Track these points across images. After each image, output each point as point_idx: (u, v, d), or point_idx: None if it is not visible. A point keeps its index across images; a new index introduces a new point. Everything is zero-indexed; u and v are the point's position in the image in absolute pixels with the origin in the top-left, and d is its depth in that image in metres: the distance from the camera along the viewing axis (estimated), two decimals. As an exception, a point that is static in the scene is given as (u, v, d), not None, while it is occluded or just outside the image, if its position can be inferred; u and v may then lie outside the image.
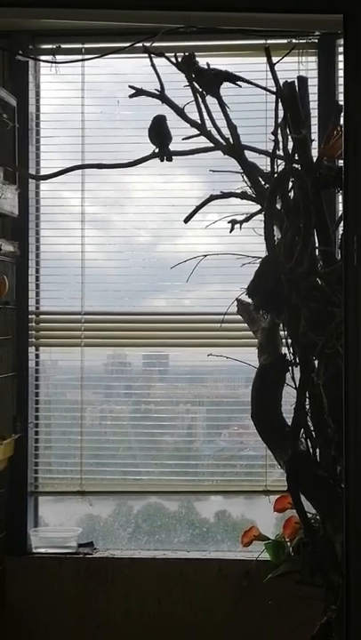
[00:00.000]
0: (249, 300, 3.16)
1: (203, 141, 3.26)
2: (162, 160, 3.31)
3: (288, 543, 3.65)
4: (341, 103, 2.79)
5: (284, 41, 4.02)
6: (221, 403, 4.61)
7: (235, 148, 3.18)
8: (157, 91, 3.23)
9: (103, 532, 4.49)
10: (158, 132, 3.32)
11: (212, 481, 4.50)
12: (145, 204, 4.42)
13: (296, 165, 3.08)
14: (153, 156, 3.29)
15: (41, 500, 4.43)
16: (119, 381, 4.62)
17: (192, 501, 4.55)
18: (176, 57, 3.14)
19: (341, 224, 2.92)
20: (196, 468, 4.51)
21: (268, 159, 3.14)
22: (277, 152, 3.09)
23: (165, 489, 4.42)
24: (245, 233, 3.34)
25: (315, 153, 3.17)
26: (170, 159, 3.32)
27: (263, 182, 3.20)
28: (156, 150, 3.30)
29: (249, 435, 4.44)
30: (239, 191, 3.26)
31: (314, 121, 3.36)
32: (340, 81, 4.08)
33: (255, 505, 4.47)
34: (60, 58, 4.19)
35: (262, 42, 3.94)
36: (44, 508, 4.45)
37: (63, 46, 4.24)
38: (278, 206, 3.15)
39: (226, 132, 3.20)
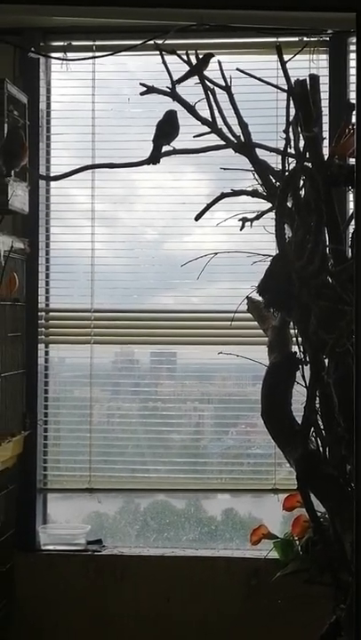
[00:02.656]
0: (259, 298, 3.16)
1: (213, 139, 3.25)
2: (151, 164, 3.30)
3: (297, 542, 3.65)
4: (353, 101, 2.78)
5: (295, 39, 4.02)
6: (229, 401, 4.61)
7: (246, 146, 3.18)
8: (168, 88, 3.23)
9: (111, 529, 4.49)
10: (168, 129, 3.32)
11: (220, 479, 4.50)
12: (154, 202, 4.42)
13: (307, 163, 3.07)
14: (145, 162, 3.28)
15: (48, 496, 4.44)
16: (127, 379, 4.62)
17: (199, 499, 4.56)
18: (187, 54, 3.14)
19: (352, 222, 2.92)
20: (205, 466, 4.51)
21: (278, 158, 3.13)
22: (289, 150, 3.08)
23: (173, 486, 4.42)
24: (253, 231, 3.33)
25: (326, 151, 3.16)
26: (155, 162, 3.31)
27: (274, 180, 3.19)
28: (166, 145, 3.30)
29: (256, 433, 4.44)
30: (250, 189, 3.26)
31: (325, 119, 3.34)
32: (352, 79, 4.08)
33: (262, 503, 4.47)
34: (70, 55, 4.20)
35: (273, 40, 3.93)
36: (50, 505, 4.45)
37: (74, 43, 4.25)
38: (289, 204, 3.14)
39: (236, 129, 3.19)
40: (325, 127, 3.52)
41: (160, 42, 3.24)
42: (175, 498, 4.56)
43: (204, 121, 3.22)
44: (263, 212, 3.27)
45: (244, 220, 3.31)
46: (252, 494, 4.53)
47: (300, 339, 3.15)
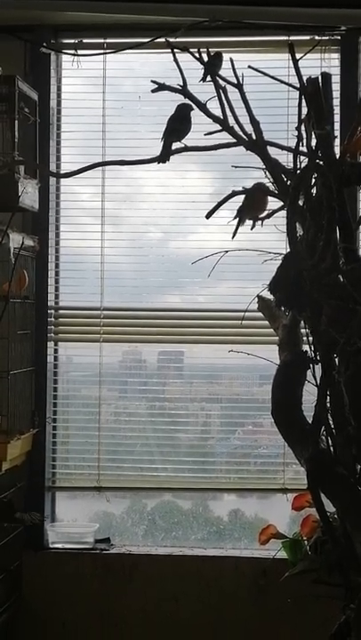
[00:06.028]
0: (270, 297, 3.14)
1: (224, 137, 3.23)
2: (161, 161, 3.27)
3: (306, 542, 3.63)
4: (365, 99, 2.77)
5: (307, 37, 4.00)
6: (237, 400, 4.60)
7: (257, 144, 3.17)
8: (180, 86, 3.22)
9: (119, 528, 4.48)
10: (178, 125, 3.30)
11: (228, 478, 4.49)
12: (164, 200, 4.41)
13: (319, 162, 3.06)
14: (155, 159, 3.25)
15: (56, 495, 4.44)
16: (135, 378, 4.62)
17: (206, 500, 4.55)
18: (199, 52, 3.12)
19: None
20: (213, 466, 4.50)
21: (289, 156, 3.11)
22: (300, 148, 3.07)
23: (181, 486, 4.42)
24: (260, 230, 3.31)
25: (337, 150, 3.14)
26: (166, 160, 3.27)
27: (285, 178, 3.18)
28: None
29: (264, 433, 4.44)
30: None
31: (336, 118, 3.32)
32: (364, 77, 4.08)
33: (268, 504, 4.46)
34: (81, 52, 4.19)
35: (285, 38, 3.91)
36: (58, 504, 4.45)
37: (85, 41, 4.24)
38: (300, 202, 3.13)
39: (248, 127, 3.18)
40: (337, 126, 3.52)
41: (172, 39, 3.22)
42: (182, 498, 4.55)
43: (215, 119, 3.20)
44: (275, 211, 3.26)
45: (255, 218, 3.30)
46: (259, 495, 4.52)
47: (310, 337, 3.14)
